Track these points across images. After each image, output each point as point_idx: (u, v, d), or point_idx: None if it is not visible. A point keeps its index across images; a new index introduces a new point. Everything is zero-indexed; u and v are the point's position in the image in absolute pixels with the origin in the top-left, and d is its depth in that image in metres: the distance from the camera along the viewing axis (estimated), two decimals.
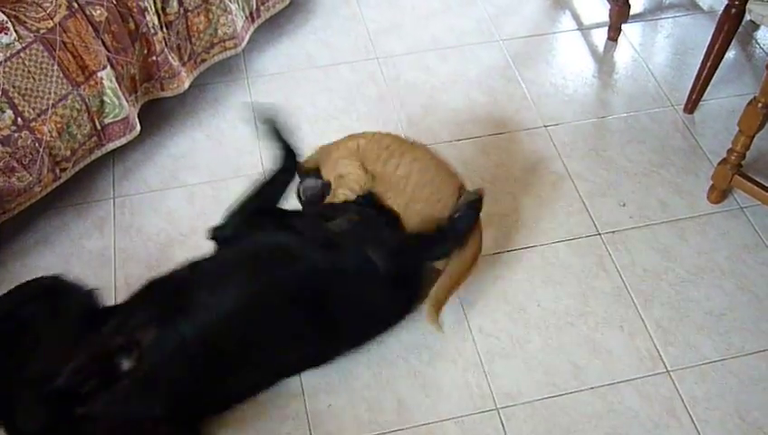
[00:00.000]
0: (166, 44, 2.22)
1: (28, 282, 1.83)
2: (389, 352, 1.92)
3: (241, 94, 2.53)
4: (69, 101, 1.99)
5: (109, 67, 2.06)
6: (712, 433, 1.78)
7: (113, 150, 2.22)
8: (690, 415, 1.81)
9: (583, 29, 2.82)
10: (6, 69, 1.86)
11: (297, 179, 1.98)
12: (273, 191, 1.92)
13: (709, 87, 2.44)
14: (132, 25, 2.10)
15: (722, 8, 2.30)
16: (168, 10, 2.20)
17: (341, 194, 1.92)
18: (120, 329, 1.67)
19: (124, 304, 1.79)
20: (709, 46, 2.36)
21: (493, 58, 2.68)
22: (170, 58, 2.25)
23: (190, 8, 2.27)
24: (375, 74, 2.60)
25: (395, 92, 2.55)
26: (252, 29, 2.55)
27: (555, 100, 2.54)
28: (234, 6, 2.38)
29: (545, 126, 2.45)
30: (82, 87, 2.01)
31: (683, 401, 1.84)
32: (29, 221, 2.16)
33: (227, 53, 2.46)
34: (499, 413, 1.81)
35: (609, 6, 2.70)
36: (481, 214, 1.97)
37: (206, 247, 1.86)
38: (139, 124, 2.24)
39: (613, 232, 2.17)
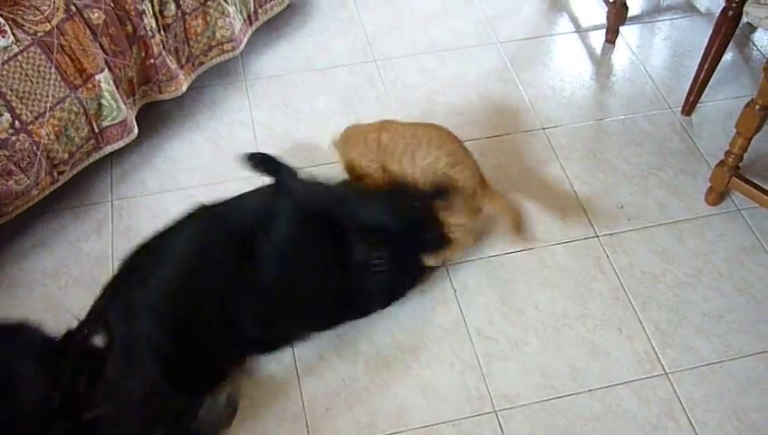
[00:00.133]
0: (164, 47, 2.22)
1: None
2: (387, 354, 1.92)
3: (239, 97, 2.53)
4: (66, 105, 1.99)
5: (106, 70, 2.05)
6: None
7: (111, 153, 2.22)
8: (688, 417, 1.81)
9: (581, 31, 2.82)
10: (4, 72, 1.86)
11: None
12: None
13: (707, 89, 2.44)
14: (130, 28, 2.10)
15: (719, 10, 2.31)
16: (165, 13, 2.20)
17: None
18: (84, 322, 1.72)
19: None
20: (706, 48, 2.37)
21: (490, 60, 2.69)
22: (168, 61, 2.25)
23: (188, 11, 2.27)
24: (373, 77, 2.60)
25: (393, 95, 2.55)
26: (250, 32, 2.55)
27: (553, 102, 2.54)
28: (231, 9, 2.38)
29: (543, 128, 2.46)
30: (80, 90, 2.01)
31: (681, 403, 1.84)
32: (27, 224, 2.15)
33: (225, 55, 2.46)
34: (497, 416, 1.81)
35: (606, 9, 2.70)
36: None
37: None
38: (136, 127, 2.24)
39: (611, 234, 2.17)
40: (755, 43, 2.76)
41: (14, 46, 1.87)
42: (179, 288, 1.75)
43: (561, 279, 2.07)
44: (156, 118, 2.43)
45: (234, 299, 1.77)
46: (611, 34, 2.73)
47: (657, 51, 2.75)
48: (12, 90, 1.88)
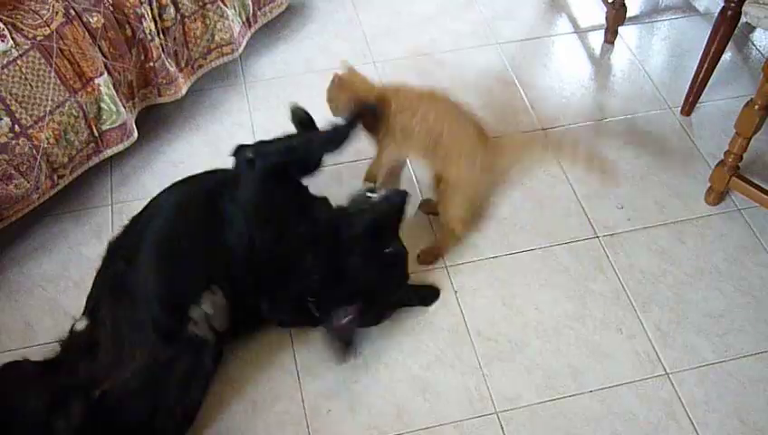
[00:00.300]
0: (163, 50, 2.22)
1: None
2: (388, 356, 1.92)
3: (238, 99, 2.53)
4: (66, 108, 1.99)
5: (106, 74, 2.06)
6: None
7: (111, 157, 2.22)
8: (689, 417, 1.81)
9: (580, 32, 2.82)
10: (3, 76, 1.86)
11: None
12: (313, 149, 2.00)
13: (706, 89, 2.44)
14: (129, 32, 2.10)
15: (718, 10, 2.31)
16: (164, 16, 2.20)
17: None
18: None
19: None
20: (705, 48, 2.37)
21: (490, 61, 2.69)
22: (167, 64, 2.25)
23: (187, 14, 2.27)
24: (372, 78, 2.59)
25: None
26: (249, 34, 2.55)
27: (552, 103, 2.54)
28: (230, 12, 2.38)
29: (543, 129, 2.46)
30: (80, 94, 2.01)
31: (682, 403, 1.84)
32: (27, 228, 2.16)
33: (224, 58, 2.47)
34: (498, 417, 1.81)
35: (605, 9, 2.70)
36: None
37: None
38: (136, 130, 2.24)
39: (611, 235, 2.17)
40: (754, 42, 2.76)
41: (13, 50, 1.87)
42: (166, 254, 1.78)
43: (562, 280, 2.07)
44: (156, 121, 2.43)
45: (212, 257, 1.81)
46: (610, 35, 2.74)
47: (656, 51, 2.76)
48: (11, 94, 1.88)
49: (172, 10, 2.21)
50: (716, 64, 2.38)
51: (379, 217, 1.86)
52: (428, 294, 2.01)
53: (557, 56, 2.74)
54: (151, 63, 2.20)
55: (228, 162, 1.98)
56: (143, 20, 2.11)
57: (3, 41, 1.86)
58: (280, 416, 1.82)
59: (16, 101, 1.89)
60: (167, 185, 1.96)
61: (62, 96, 1.98)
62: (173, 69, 2.28)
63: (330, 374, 1.88)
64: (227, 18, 2.37)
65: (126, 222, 1.91)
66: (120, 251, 1.84)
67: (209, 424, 1.80)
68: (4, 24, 1.88)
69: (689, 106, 2.48)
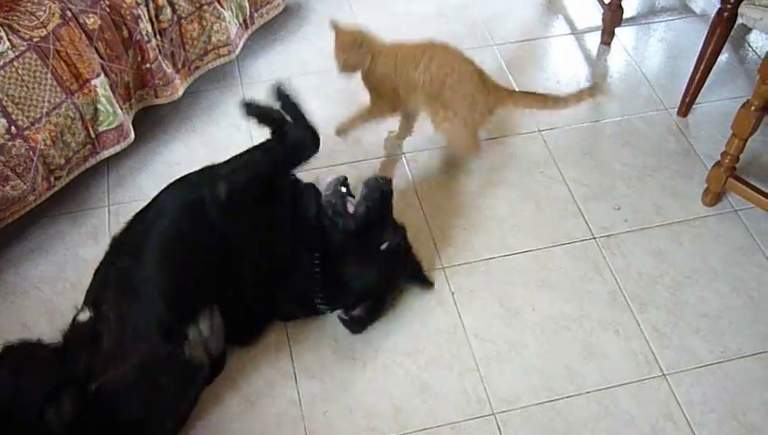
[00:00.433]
0: (160, 52, 2.22)
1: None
2: (385, 358, 1.92)
3: (235, 101, 2.52)
4: (63, 110, 1.99)
5: (102, 75, 2.05)
6: None
7: (108, 158, 2.22)
8: (686, 418, 1.81)
9: (577, 33, 2.82)
10: (0, 78, 1.86)
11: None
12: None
13: (702, 90, 2.45)
14: (126, 33, 2.10)
15: (714, 12, 2.31)
16: (161, 17, 2.20)
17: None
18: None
19: None
20: (702, 50, 2.37)
21: (486, 62, 2.67)
22: (164, 65, 2.25)
23: (184, 15, 2.27)
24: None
25: None
26: (245, 36, 2.55)
27: None
28: (227, 13, 2.38)
29: (539, 130, 2.46)
30: (76, 95, 2.01)
31: (679, 404, 1.84)
32: (23, 230, 2.15)
33: (221, 59, 2.47)
34: (495, 418, 1.81)
35: (602, 11, 2.71)
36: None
37: None
38: (133, 132, 2.24)
39: (608, 236, 2.17)
40: (751, 44, 2.77)
41: (9, 52, 1.87)
42: (170, 253, 1.79)
43: (559, 281, 2.07)
44: (152, 122, 2.43)
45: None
46: (607, 36, 2.74)
47: (652, 52, 2.76)
48: (8, 95, 1.88)
49: (169, 11, 2.21)
50: (713, 66, 2.39)
51: (367, 215, 1.89)
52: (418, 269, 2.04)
53: (554, 57, 2.74)
54: (148, 65, 2.20)
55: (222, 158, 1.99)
56: (140, 21, 2.11)
57: None
58: (277, 418, 1.81)
59: (13, 102, 1.89)
60: (163, 186, 1.96)
61: (59, 98, 1.97)
62: (170, 70, 2.28)
63: (327, 375, 1.88)
64: (224, 20, 2.37)
65: (124, 222, 1.91)
66: (125, 247, 1.85)
67: (205, 425, 1.79)
68: (1, 25, 1.88)
69: (686, 107, 2.48)
